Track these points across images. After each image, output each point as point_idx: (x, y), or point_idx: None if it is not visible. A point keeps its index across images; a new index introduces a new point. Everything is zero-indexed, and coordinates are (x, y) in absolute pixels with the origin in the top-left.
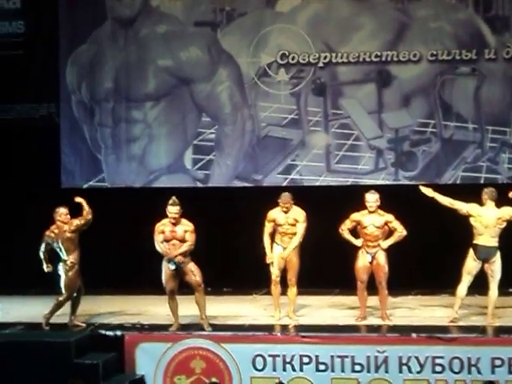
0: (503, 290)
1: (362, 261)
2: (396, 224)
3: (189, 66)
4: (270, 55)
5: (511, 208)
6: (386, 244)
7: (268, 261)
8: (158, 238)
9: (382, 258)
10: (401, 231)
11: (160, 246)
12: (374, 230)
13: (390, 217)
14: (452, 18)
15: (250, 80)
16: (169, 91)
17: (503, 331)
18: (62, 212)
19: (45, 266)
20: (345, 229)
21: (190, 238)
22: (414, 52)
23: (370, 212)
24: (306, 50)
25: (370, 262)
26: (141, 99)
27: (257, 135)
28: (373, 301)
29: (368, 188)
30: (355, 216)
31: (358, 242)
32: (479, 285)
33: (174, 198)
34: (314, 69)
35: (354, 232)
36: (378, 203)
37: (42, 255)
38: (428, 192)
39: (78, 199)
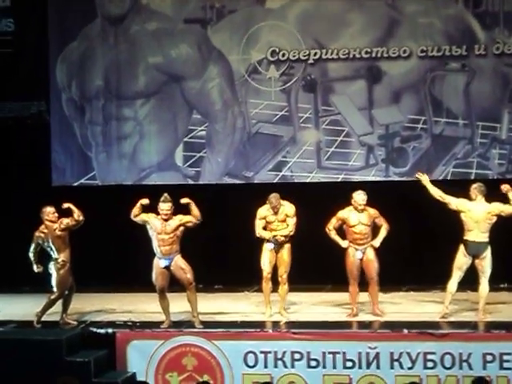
0: (494, 285)
1: (353, 257)
2: (382, 219)
3: (179, 63)
4: (261, 52)
5: (500, 203)
6: (378, 243)
7: (268, 236)
8: (143, 217)
9: (371, 254)
10: (386, 226)
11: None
12: (362, 228)
13: (375, 211)
14: (442, 14)
15: (240, 77)
16: (159, 88)
17: (494, 327)
18: (49, 211)
19: (35, 267)
20: (332, 229)
21: (187, 217)
22: (404, 48)
23: (359, 211)
24: (296, 47)
25: (361, 259)
26: (131, 97)
27: (247, 132)
28: (364, 297)
29: (359, 185)
30: (341, 214)
31: (344, 244)
32: (470, 280)
33: (165, 194)
34: (305, 65)
35: (341, 229)
36: (365, 202)
37: (31, 256)
38: (423, 180)
39: (66, 205)
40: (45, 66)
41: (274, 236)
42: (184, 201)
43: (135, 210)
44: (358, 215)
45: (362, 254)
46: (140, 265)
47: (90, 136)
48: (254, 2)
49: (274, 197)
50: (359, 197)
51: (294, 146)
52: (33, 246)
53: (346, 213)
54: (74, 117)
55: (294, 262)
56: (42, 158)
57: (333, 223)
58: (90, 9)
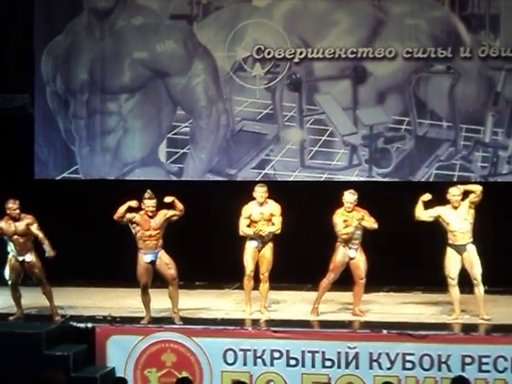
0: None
1: (343, 256)
2: (367, 222)
3: (164, 58)
4: (246, 49)
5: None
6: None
7: (252, 232)
8: (129, 217)
9: (362, 254)
10: (375, 226)
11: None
12: (357, 228)
13: (364, 212)
14: (428, 16)
15: (225, 74)
16: (144, 84)
17: (473, 329)
18: (10, 206)
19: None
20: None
21: (171, 211)
22: (390, 49)
23: (349, 211)
24: (281, 45)
25: (352, 258)
26: (116, 91)
27: (231, 129)
28: (345, 297)
29: (341, 184)
30: (342, 216)
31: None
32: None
33: (149, 191)
34: (290, 64)
35: (330, 231)
36: (356, 203)
37: None
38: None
39: (169, 198)
40: (30, 58)
41: (259, 231)
42: (168, 199)
43: (121, 211)
44: (353, 216)
45: (355, 253)
46: (121, 260)
47: (74, 130)
48: None
49: (261, 184)
50: (350, 196)
51: (278, 144)
52: None
53: (344, 215)
54: (57, 110)
55: (275, 260)
56: (24, 151)
57: (349, 229)
58: (77, 2)
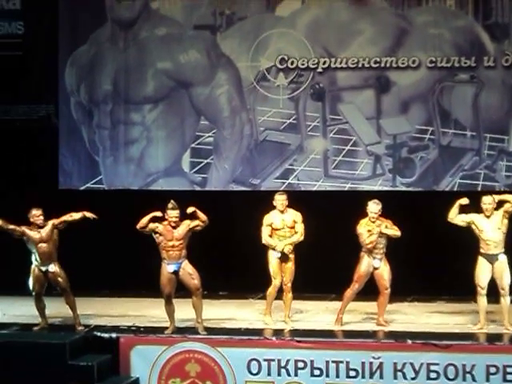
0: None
1: (367, 266)
2: (390, 230)
3: (188, 69)
4: (270, 59)
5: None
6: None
7: (275, 244)
8: (151, 227)
9: (387, 264)
10: (398, 234)
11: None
12: (381, 237)
13: (389, 222)
14: (452, 25)
15: (248, 84)
16: (167, 94)
17: (498, 339)
18: (34, 213)
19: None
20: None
21: (194, 222)
22: (413, 58)
23: (373, 221)
24: (305, 55)
25: (376, 268)
26: (139, 102)
27: (255, 139)
28: (370, 306)
29: (365, 194)
30: (367, 226)
31: None
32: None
33: (172, 201)
34: (313, 74)
35: (353, 241)
36: (380, 213)
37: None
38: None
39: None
40: (54, 69)
41: (283, 248)
42: (190, 210)
43: (144, 221)
44: (375, 226)
45: (379, 263)
46: (145, 270)
47: (98, 140)
48: (264, 9)
49: (280, 192)
50: (372, 206)
51: (302, 154)
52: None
53: (368, 225)
54: (82, 121)
55: (299, 270)
56: (49, 162)
57: (372, 238)
58: (100, 13)
